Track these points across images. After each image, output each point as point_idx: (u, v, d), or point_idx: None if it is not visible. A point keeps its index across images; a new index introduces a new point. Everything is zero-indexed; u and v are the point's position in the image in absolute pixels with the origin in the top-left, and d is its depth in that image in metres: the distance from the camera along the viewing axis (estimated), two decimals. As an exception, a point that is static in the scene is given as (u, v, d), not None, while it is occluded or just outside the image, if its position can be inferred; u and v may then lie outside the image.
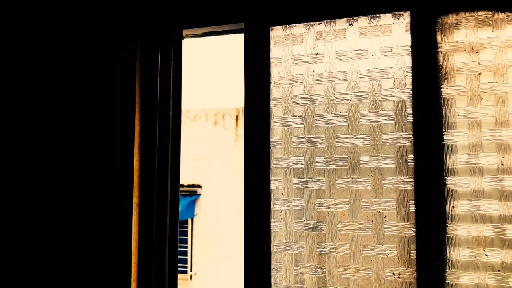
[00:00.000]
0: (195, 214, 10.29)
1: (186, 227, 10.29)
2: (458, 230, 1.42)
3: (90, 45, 1.76)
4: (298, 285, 1.56)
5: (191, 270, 10.21)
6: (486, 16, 1.45)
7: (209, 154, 10.18)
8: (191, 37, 1.85)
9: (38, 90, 1.80)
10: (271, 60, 1.65)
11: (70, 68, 1.77)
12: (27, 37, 1.84)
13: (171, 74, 1.78)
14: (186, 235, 10.27)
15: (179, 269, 8.86)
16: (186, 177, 10.28)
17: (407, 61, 1.51)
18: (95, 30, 1.76)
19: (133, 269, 1.64)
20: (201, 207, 10.28)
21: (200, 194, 10.28)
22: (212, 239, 10.08)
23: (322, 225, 1.55)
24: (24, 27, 1.85)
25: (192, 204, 10.17)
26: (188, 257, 10.21)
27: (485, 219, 1.40)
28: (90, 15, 1.78)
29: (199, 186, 10.28)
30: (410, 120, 1.49)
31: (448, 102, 1.46)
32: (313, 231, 1.56)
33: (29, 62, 1.82)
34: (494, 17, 1.44)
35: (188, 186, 10.26)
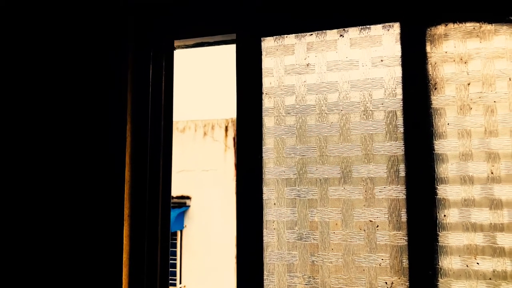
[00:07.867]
0: (184, 225, 10.20)
1: (175, 239, 10.19)
2: (449, 239, 1.43)
3: (80, 56, 1.76)
4: (291, 295, 1.56)
5: (180, 283, 10.09)
6: (474, 28, 1.48)
7: (198, 165, 10.14)
8: (183, 47, 1.86)
9: (27, 100, 1.78)
10: (263, 71, 1.66)
11: (59, 80, 1.76)
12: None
13: (163, 84, 1.78)
14: (175, 247, 10.17)
15: (168, 281, 8.73)
16: (175, 189, 10.21)
17: (397, 71, 1.53)
18: (86, 40, 1.76)
19: (124, 281, 1.62)
20: (190, 219, 10.20)
21: (189, 206, 10.21)
22: (202, 251, 9.99)
23: (314, 235, 1.55)
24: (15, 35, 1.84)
25: (181, 215, 10.09)
26: (177, 269, 10.10)
27: (476, 227, 1.41)
28: (81, 26, 1.77)
29: (188, 198, 10.21)
30: (401, 129, 1.50)
31: (438, 111, 1.47)
32: (305, 241, 1.56)
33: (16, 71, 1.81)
34: (482, 29, 1.47)
35: (177, 197, 10.19)
